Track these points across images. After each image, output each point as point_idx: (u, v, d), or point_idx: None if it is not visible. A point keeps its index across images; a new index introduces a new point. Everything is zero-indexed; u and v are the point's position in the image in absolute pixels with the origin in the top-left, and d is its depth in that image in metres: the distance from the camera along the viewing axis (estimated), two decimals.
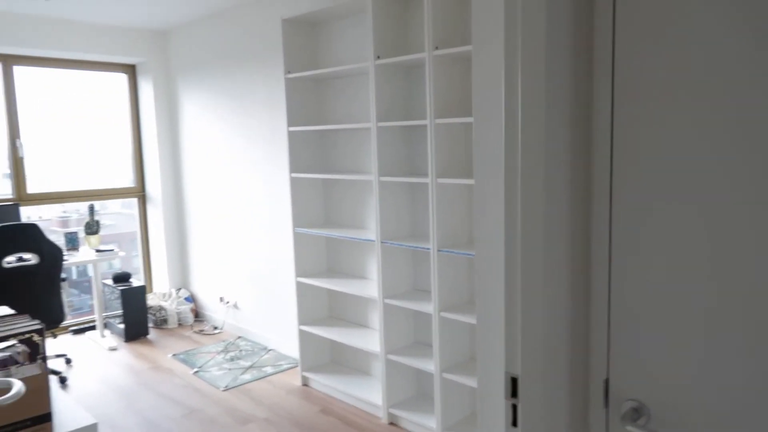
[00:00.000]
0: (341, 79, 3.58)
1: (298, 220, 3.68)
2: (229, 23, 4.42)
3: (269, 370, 3.98)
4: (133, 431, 3.19)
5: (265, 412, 3.37)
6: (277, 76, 4.08)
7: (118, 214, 6.11)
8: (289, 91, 3.58)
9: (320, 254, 3.80)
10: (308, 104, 3.69)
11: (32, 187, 4.76)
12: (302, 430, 3.15)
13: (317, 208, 3.78)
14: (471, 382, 2.73)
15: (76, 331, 4.89)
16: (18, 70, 4.64)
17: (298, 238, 3.67)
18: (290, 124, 3.59)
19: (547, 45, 1.05)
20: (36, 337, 1.99)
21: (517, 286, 1.10)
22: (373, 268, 3.53)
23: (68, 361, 4.20)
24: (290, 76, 3.53)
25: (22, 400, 1.61)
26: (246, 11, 4.25)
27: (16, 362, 1.72)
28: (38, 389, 1.63)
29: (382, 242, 3.08)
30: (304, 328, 3.66)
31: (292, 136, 3.61)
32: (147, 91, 5.20)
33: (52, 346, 4.58)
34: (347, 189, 3.65)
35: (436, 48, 2.70)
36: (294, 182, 3.64)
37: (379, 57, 2.98)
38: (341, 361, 3.82)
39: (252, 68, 4.28)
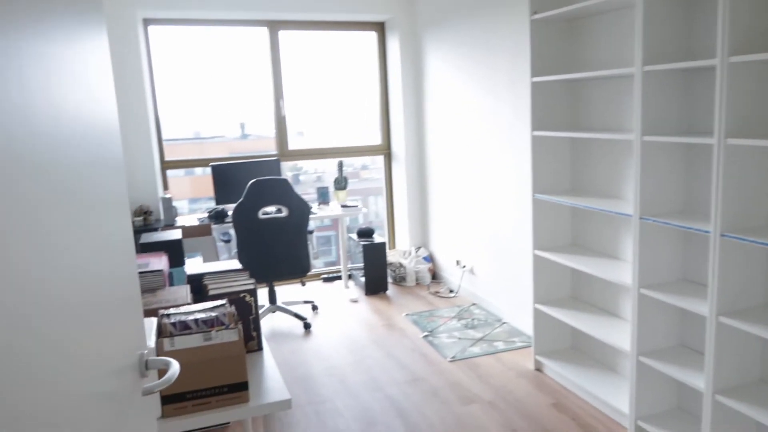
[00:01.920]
0: (599, 17, 2.94)
1: (539, 185, 3.21)
2: None
3: (500, 345, 3.66)
4: (359, 390, 3.20)
5: (491, 394, 3.08)
6: (524, 20, 3.59)
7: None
8: (535, 34, 3.08)
9: (564, 226, 3.29)
10: (557, 49, 3.14)
11: (292, 144, 5.14)
12: (530, 424, 2.78)
13: (563, 172, 3.25)
14: (758, 414, 2.02)
15: (327, 279, 5.23)
16: (282, 35, 4.98)
17: (537, 206, 3.22)
18: (534, 73, 3.11)
19: None
20: (248, 298, 1.98)
21: None
22: (628, 248, 2.90)
23: (314, 308, 4.48)
24: (536, 16, 3.02)
25: (219, 367, 1.56)
26: None
27: (222, 323, 1.70)
28: (235, 356, 1.57)
29: (641, 218, 2.46)
30: (540, 307, 3.23)
31: (535, 87, 3.12)
32: (394, 48, 5.16)
33: (302, 292, 4.96)
34: (600, 150, 3.04)
35: None
36: (536, 141, 3.17)
37: None
38: (582, 349, 3.31)
39: (497, 13, 3.85)
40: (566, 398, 3.00)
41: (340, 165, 4.94)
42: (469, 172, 4.43)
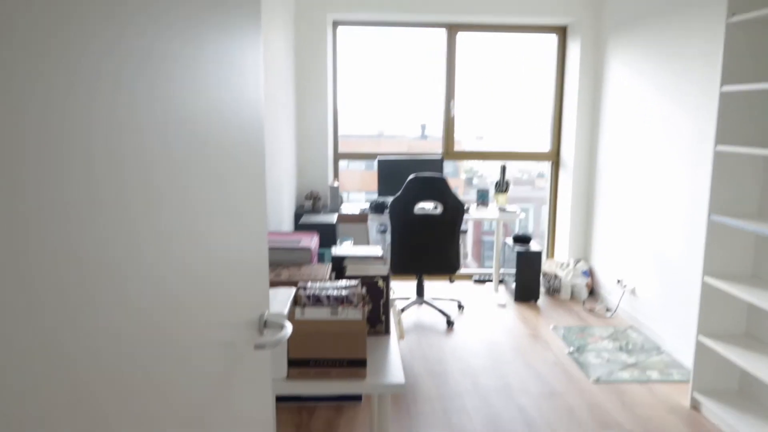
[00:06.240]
0: None
1: (718, 205, 2.88)
2: None
3: (654, 375, 3.36)
4: (491, 395, 3.17)
5: (633, 424, 2.85)
6: (720, 24, 3.23)
7: None
8: (730, 39, 2.76)
9: (744, 254, 2.91)
10: (757, 56, 2.78)
11: (465, 145, 5.20)
12: None
13: (749, 194, 2.88)
14: None
15: (478, 281, 5.22)
16: (459, 36, 5.05)
17: (713, 229, 2.89)
18: (725, 81, 2.79)
19: None
20: (380, 283, 2.08)
21: None
22: None
23: (460, 307, 4.50)
24: (734, 19, 2.71)
25: (341, 342, 1.68)
26: None
27: (350, 302, 1.82)
28: (356, 334, 1.68)
29: None
30: (705, 340, 2.90)
31: (725, 98, 2.80)
32: (574, 51, 4.95)
33: (451, 290, 5.00)
34: None
35: None
36: (719, 157, 2.85)
37: None
38: (752, 395, 2.91)
39: (690, 15, 3.51)
40: None
41: (503, 169, 4.88)
42: (640, 185, 4.10)
